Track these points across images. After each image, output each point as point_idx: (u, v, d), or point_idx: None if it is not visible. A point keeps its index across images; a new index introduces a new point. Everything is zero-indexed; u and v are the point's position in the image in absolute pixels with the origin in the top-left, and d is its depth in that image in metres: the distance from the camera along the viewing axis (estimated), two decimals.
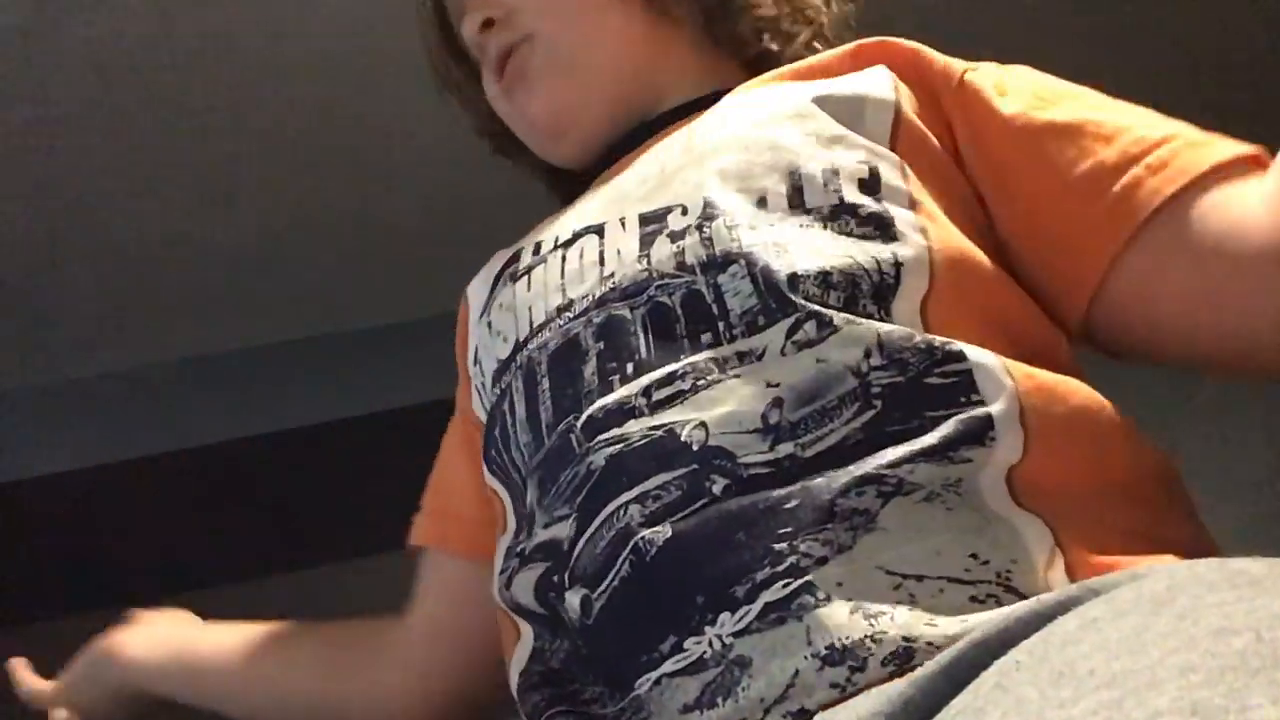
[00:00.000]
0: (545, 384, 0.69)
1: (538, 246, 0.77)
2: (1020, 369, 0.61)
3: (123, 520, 2.05)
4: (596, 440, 0.63)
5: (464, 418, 0.84)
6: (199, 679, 0.95)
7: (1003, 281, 0.68)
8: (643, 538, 0.59)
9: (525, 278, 0.75)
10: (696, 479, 0.59)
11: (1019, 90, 0.72)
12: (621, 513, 0.60)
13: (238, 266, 1.98)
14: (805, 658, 0.53)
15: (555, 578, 0.64)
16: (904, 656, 0.52)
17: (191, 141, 1.73)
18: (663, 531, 0.58)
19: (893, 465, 0.57)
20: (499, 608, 0.71)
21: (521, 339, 0.72)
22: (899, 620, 0.53)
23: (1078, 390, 0.62)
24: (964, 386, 0.60)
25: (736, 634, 0.55)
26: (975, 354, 0.61)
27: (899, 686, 0.49)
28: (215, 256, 1.95)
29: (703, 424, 0.60)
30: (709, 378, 0.62)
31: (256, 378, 2.12)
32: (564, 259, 0.73)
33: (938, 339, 0.61)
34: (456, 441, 0.87)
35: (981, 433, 0.58)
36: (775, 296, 0.63)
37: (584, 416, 0.64)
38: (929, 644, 0.52)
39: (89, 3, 1.51)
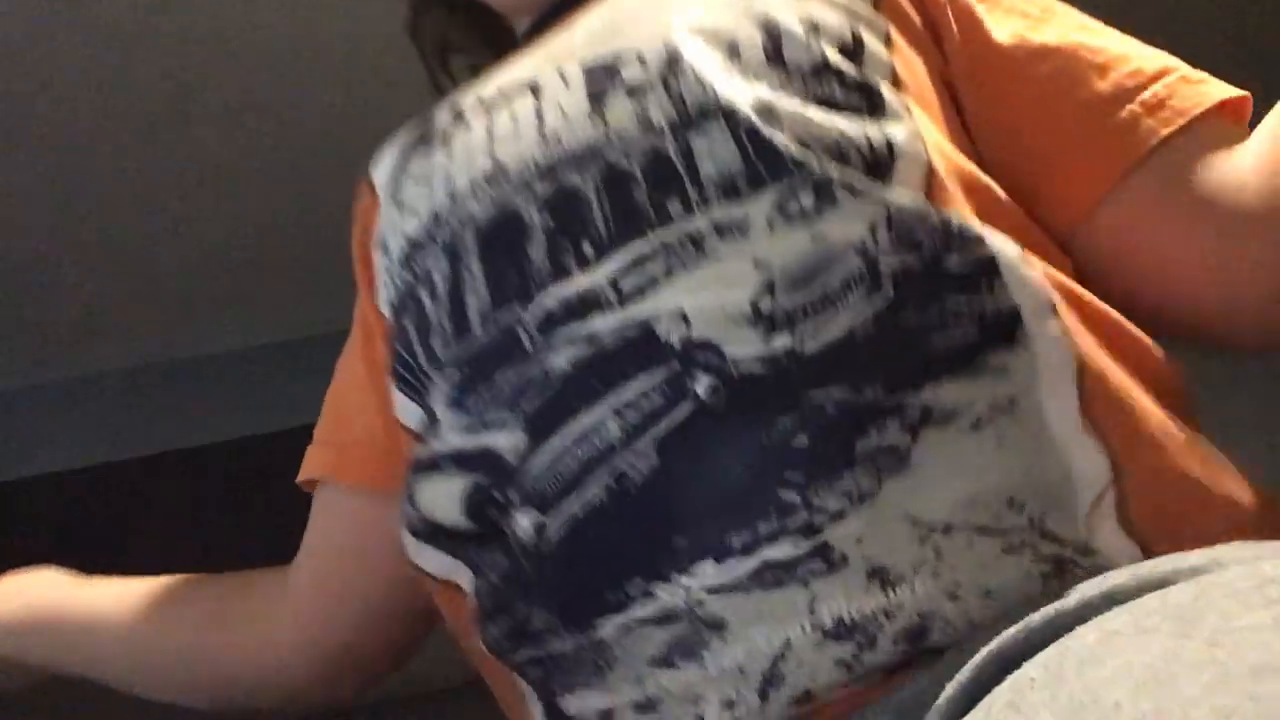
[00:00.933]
0: (474, 264, 0.58)
1: (457, 109, 0.65)
2: (1043, 263, 0.54)
3: (123, 519, 2.04)
4: (556, 338, 0.54)
5: (363, 328, 0.72)
6: (69, 643, 0.81)
7: (993, 186, 0.60)
8: (628, 463, 0.51)
9: (442, 144, 0.64)
10: (678, 380, 0.51)
11: (1009, 6, 0.65)
12: (601, 430, 0.52)
13: (237, 266, 1.97)
14: (803, 629, 0.47)
15: (495, 493, 0.55)
16: (917, 634, 0.47)
17: (192, 141, 1.73)
18: (648, 458, 0.51)
19: (913, 384, 0.50)
20: (412, 544, 0.61)
21: (438, 211, 0.61)
22: (919, 591, 0.47)
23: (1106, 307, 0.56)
24: (988, 271, 0.52)
25: (714, 589, 0.48)
26: (992, 234, 0.53)
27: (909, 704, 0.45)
28: (214, 255, 1.94)
29: (683, 315, 0.52)
30: (685, 259, 0.53)
31: (256, 377, 2.12)
32: (491, 120, 0.62)
33: (953, 216, 0.53)
34: (354, 359, 0.74)
35: (1009, 332, 0.51)
36: (765, 158, 0.54)
37: (535, 308, 0.55)
38: (945, 620, 0.47)
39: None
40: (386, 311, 0.66)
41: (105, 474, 2.05)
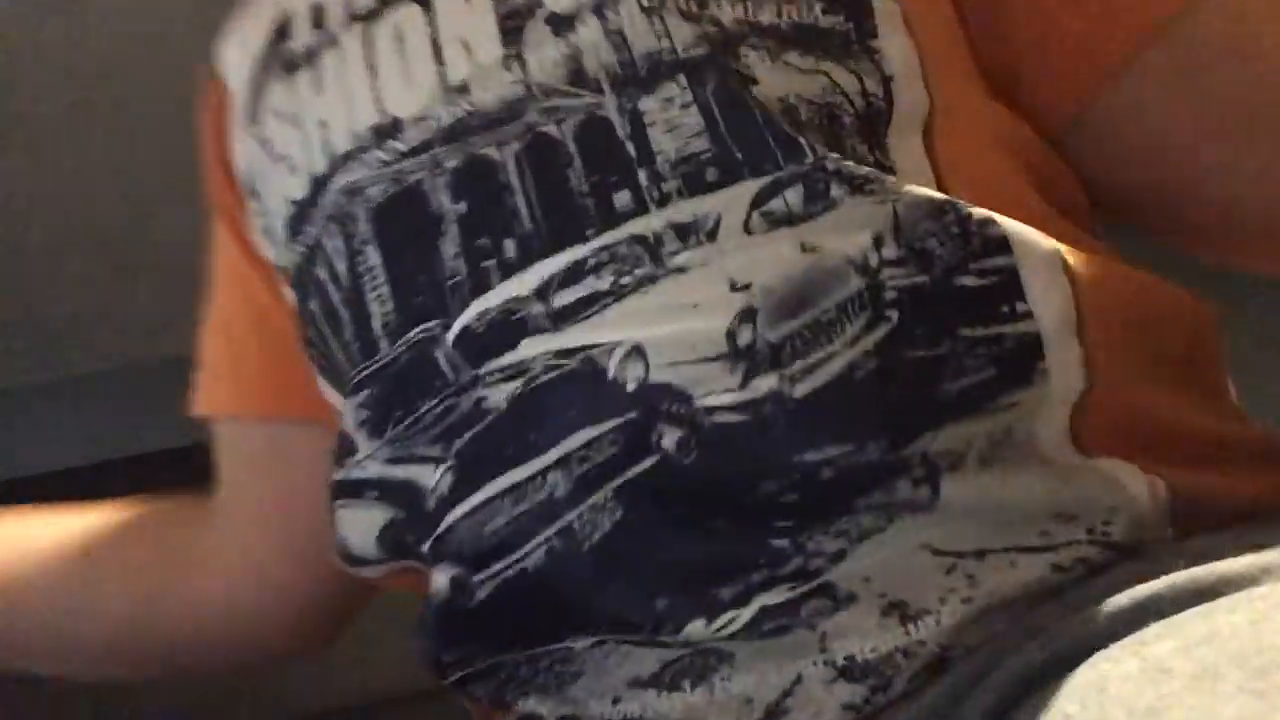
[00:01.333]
0: (374, 257, 0.48)
1: (318, 12, 0.53)
2: (1073, 253, 0.45)
3: None
4: (486, 370, 0.45)
5: (232, 268, 0.62)
6: None
7: (994, 97, 0.51)
8: (579, 519, 0.43)
9: (308, 69, 0.52)
10: (639, 432, 0.42)
11: None
12: (538, 483, 0.43)
13: None
14: (815, 664, 0.42)
15: (410, 537, 0.48)
16: (935, 669, 0.42)
17: (190, 141, 1.73)
18: (608, 510, 0.43)
19: (917, 432, 0.42)
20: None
21: (320, 173, 0.50)
22: (945, 624, 0.41)
23: (1129, 270, 0.48)
24: (1008, 290, 0.43)
25: (713, 639, 0.43)
26: (1019, 235, 0.44)
27: None
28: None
29: (638, 349, 0.42)
30: (638, 272, 0.43)
31: None
32: (368, 44, 0.50)
33: (974, 213, 0.44)
34: (231, 295, 0.63)
35: (1029, 366, 0.43)
36: (741, 135, 0.44)
37: (456, 327, 0.45)
38: (966, 647, 0.41)
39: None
40: (277, 267, 0.56)
41: (106, 470, 2.04)
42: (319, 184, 0.50)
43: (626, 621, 0.44)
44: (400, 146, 0.47)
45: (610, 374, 0.43)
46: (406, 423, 0.47)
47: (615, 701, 0.44)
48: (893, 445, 0.42)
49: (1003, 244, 0.43)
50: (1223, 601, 0.36)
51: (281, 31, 0.54)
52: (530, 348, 0.44)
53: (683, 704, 0.43)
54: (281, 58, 0.53)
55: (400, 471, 0.47)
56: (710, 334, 0.42)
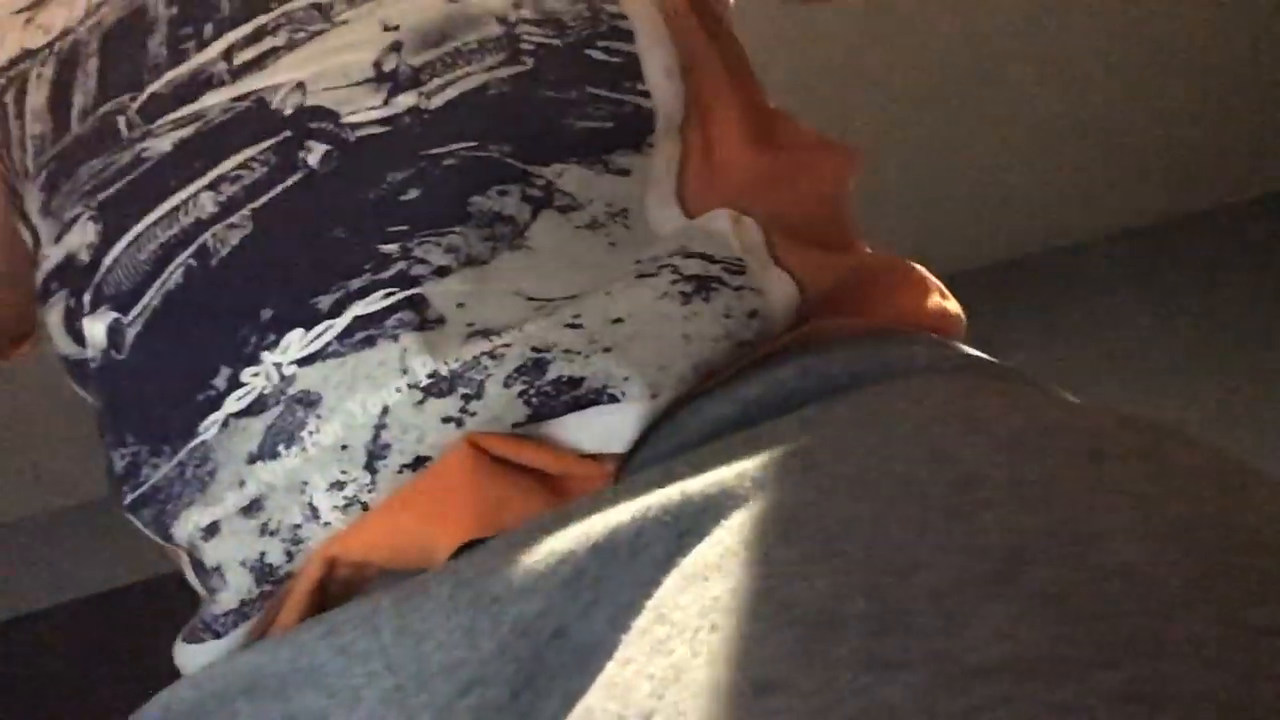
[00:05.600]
0: (91, 65, 0.52)
1: None
2: (697, 68, 0.50)
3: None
4: (159, 124, 0.48)
5: None
6: None
7: None
8: (215, 237, 0.45)
9: None
10: (287, 148, 0.46)
11: None
12: (191, 206, 0.46)
13: None
14: (398, 390, 0.42)
15: (73, 302, 0.49)
16: (535, 370, 0.42)
17: None
18: (240, 227, 0.45)
19: (540, 157, 0.45)
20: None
21: (69, 25, 0.55)
22: (529, 329, 0.42)
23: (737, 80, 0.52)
24: (630, 70, 0.48)
25: (303, 360, 0.43)
26: (645, 29, 0.49)
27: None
28: None
29: (300, 84, 0.47)
30: (310, 28, 0.48)
31: None
32: None
33: (607, 6, 0.49)
34: None
35: (640, 134, 0.47)
36: None
37: (144, 94, 0.49)
38: (569, 351, 0.42)
39: None
40: None
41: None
42: (66, 32, 0.54)
43: (236, 341, 0.44)
44: None
45: (273, 105, 0.47)
46: (66, 190, 0.50)
47: (241, 485, 0.45)
48: (516, 154, 0.45)
49: (628, 35, 0.49)
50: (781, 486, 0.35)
51: None
52: (209, 99, 0.48)
53: (283, 470, 0.44)
54: None
55: (64, 247, 0.49)
56: (360, 64, 0.47)
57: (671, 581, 0.34)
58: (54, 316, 0.51)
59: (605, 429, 0.42)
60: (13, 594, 2.04)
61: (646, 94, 0.48)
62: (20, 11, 0.59)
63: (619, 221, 0.46)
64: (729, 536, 0.34)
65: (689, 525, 0.35)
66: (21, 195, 0.54)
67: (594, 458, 0.43)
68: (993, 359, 0.47)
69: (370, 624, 0.39)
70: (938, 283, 0.54)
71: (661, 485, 0.38)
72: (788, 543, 0.32)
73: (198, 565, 0.47)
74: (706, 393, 0.44)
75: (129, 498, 0.48)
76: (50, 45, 0.55)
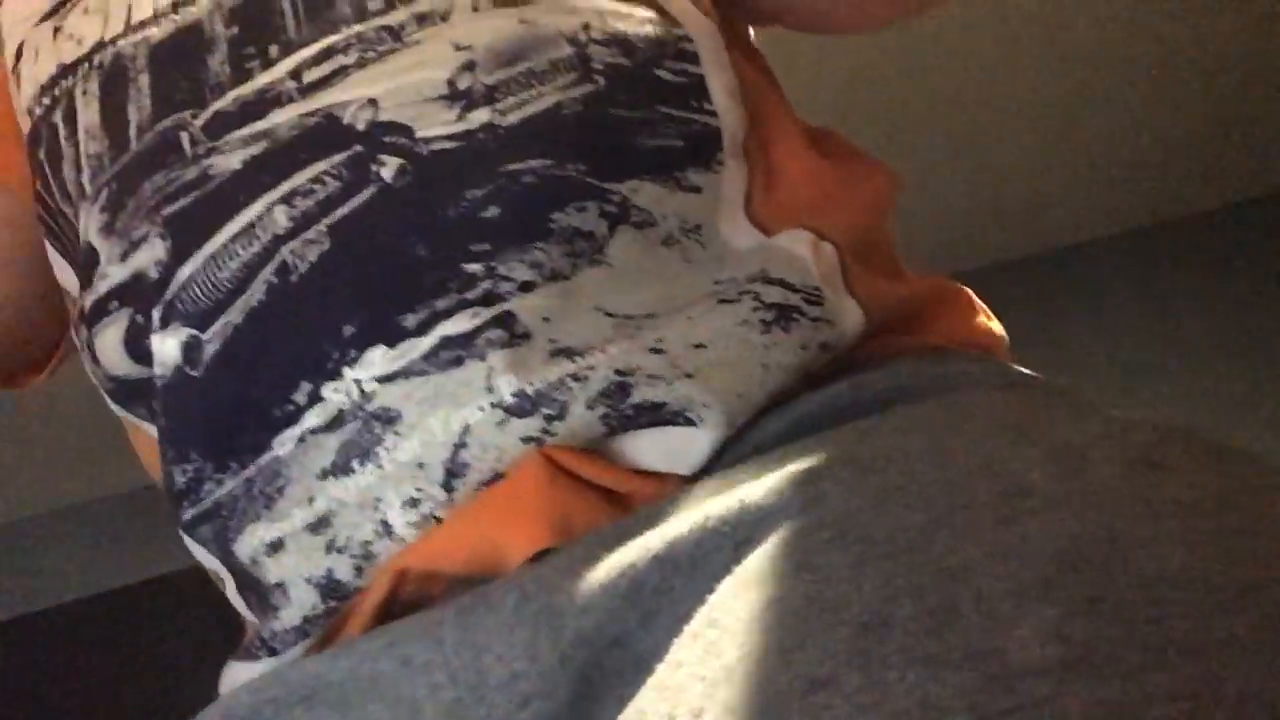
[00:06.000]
0: (143, 80, 0.51)
1: None
2: (744, 82, 0.51)
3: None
4: (226, 140, 0.48)
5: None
6: None
7: None
8: (294, 253, 0.45)
9: None
10: (360, 163, 0.46)
11: None
12: (265, 221, 0.46)
13: None
14: (482, 409, 0.42)
15: (141, 319, 0.48)
16: (618, 393, 0.42)
17: None
18: (318, 243, 0.45)
19: (615, 174, 0.46)
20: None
21: (108, 38, 0.54)
22: (612, 351, 0.43)
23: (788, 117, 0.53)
24: (697, 90, 0.49)
25: (385, 377, 0.43)
26: (708, 53, 0.50)
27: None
28: None
29: (371, 101, 0.47)
30: (380, 48, 0.48)
31: None
32: None
33: (671, 29, 0.50)
34: None
35: (710, 152, 0.48)
36: None
37: (208, 112, 0.49)
38: (652, 376, 0.43)
39: None
40: (23, 121, 0.58)
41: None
42: (101, 45, 0.54)
43: (318, 357, 0.44)
44: (192, 8, 0.52)
45: (344, 121, 0.47)
46: (131, 208, 0.49)
47: (310, 501, 0.45)
48: (591, 172, 0.46)
49: (694, 57, 0.50)
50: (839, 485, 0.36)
51: None
52: (278, 116, 0.48)
53: (356, 487, 0.44)
54: None
55: (128, 266, 0.49)
56: (434, 81, 0.47)
57: (724, 587, 0.35)
58: (110, 335, 0.50)
59: (676, 450, 0.43)
60: (13, 593, 2.04)
61: (713, 113, 0.49)
62: (44, 21, 0.58)
63: (693, 238, 0.47)
64: (782, 543, 0.35)
65: (746, 535, 0.36)
66: (71, 217, 0.53)
67: (659, 476, 0.43)
68: (1040, 377, 0.48)
69: (433, 635, 0.39)
70: (981, 304, 0.55)
71: (719, 495, 0.38)
72: (837, 548, 0.33)
73: (251, 583, 0.47)
74: (764, 409, 0.44)
75: (188, 514, 0.48)
76: (87, 58, 0.54)
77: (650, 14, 0.50)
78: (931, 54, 2.00)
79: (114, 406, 0.53)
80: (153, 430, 0.51)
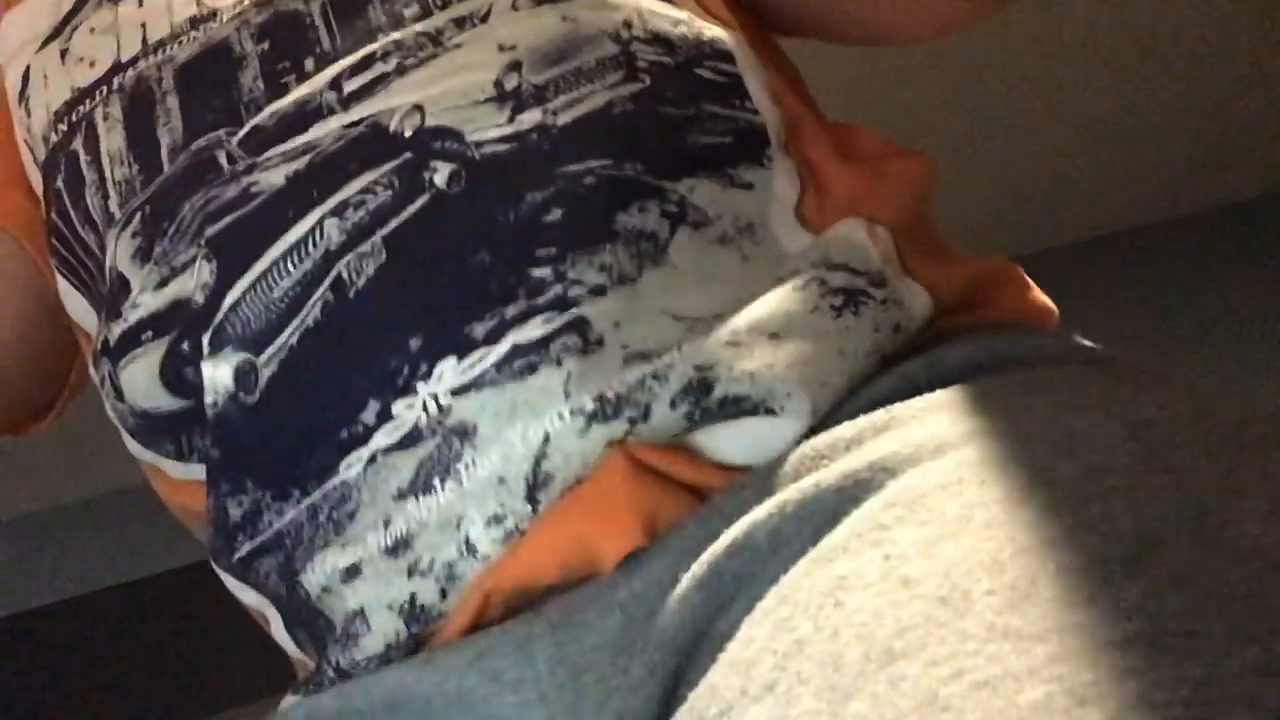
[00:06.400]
0: (171, 101, 0.50)
1: None
2: (778, 81, 0.51)
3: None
4: (267, 156, 0.46)
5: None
6: None
7: None
8: (346, 264, 0.43)
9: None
10: (410, 170, 0.44)
11: None
12: (316, 237, 0.44)
13: None
14: (561, 416, 0.41)
15: (187, 346, 0.46)
16: (700, 389, 0.41)
17: None
18: (374, 255, 0.43)
19: (672, 173, 0.45)
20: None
21: (125, 59, 0.52)
22: (688, 349, 0.42)
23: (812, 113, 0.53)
24: (738, 89, 0.48)
25: (459, 390, 0.41)
26: (741, 51, 0.50)
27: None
28: None
29: (417, 107, 0.45)
30: (420, 54, 0.47)
31: None
32: None
33: (705, 30, 0.49)
34: None
35: (758, 149, 0.47)
36: None
37: (245, 129, 0.47)
38: (732, 369, 0.41)
39: None
40: (34, 175, 0.56)
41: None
42: (119, 67, 0.52)
43: (386, 373, 0.43)
44: (214, 23, 0.51)
45: (391, 129, 0.45)
46: (171, 233, 0.47)
47: (387, 524, 0.43)
48: (649, 171, 0.45)
49: (729, 56, 0.49)
50: (945, 458, 0.35)
51: None
52: (319, 129, 0.46)
53: (436, 506, 0.42)
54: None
55: (167, 294, 0.47)
56: (481, 83, 0.46)
57: (797, 567, 0.35)
58: (140, 367, 0.48)
59: (758, 441, 0.42)
60: (13, 592, 2.03)
61: (755, 111, 0.48)
62: (47, 44, 0.56)
63: (747, 236, 0.46)
64: (856, 522, 0.34)
65: (824, 520, 0.36)
66: (94, 246, 0.51)
67: (740, 469, 0.42)
68: (1115, 354, 0.48)
69: (524, 651, 0.38)
70: (1031, 281, 0.54)
71: (796, 478, 0.38)
72: (911, 525, 0.33)
73: (311, 616, 0.45)
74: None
75: (245, 549, 0.46)
76: (105, 81, 0.52)
77: (682, 14, 0.50)
78: (928, 54, 1.99)
79: (134, 447, 0.51)
80: (175, 470, 0.50)
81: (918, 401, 0.40)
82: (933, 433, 0.37)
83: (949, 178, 2.22)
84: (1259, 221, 2.40)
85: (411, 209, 0.43)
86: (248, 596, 0.49)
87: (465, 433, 0.41)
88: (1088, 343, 0.48)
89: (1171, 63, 2.10)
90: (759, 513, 0.37)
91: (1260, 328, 2.19)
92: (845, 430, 0.39)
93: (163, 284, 0.47)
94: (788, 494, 0.37)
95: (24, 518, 2.14)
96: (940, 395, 0.40)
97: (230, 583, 0.49)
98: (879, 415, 0.39)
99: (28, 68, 0.57)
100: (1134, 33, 2.03)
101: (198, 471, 0.49)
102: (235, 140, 0.47)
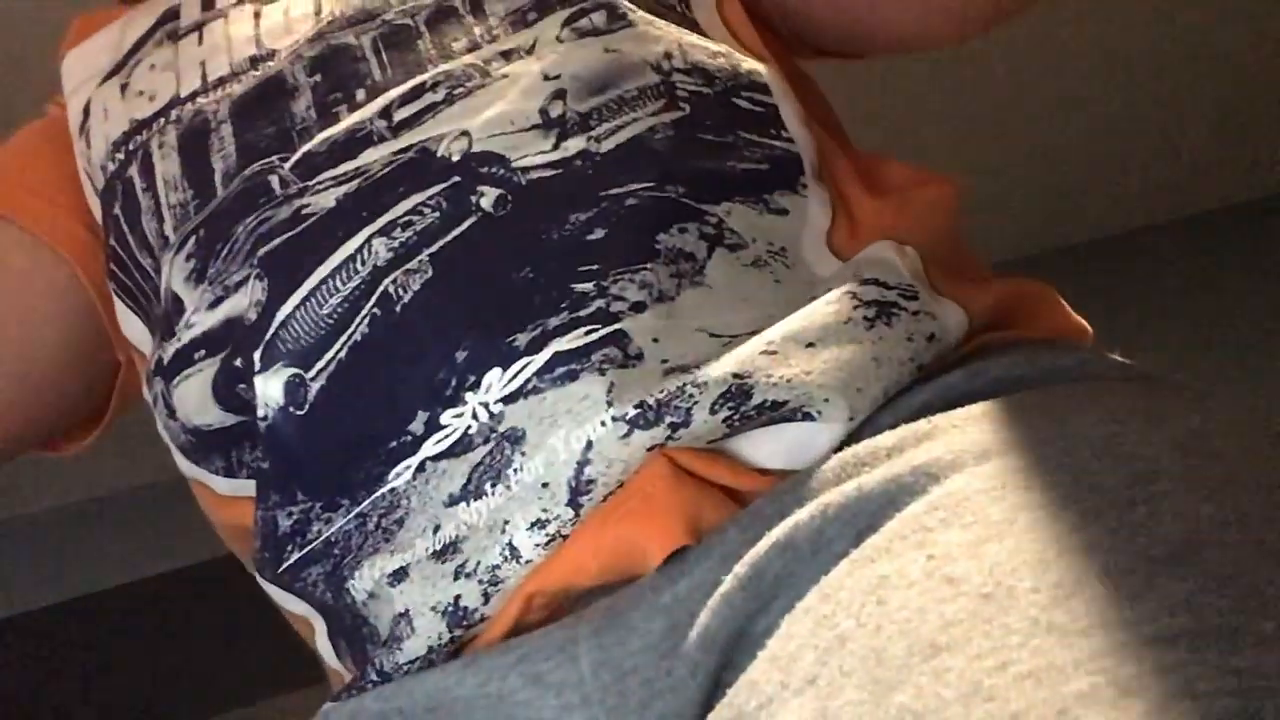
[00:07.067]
0: (225, 130, 0.52)
1: (205, 2, 0.59)
2: (810, 112, 0.52)
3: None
4: (318, 180, 0.48)
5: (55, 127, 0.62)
6: None
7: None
8: (393, 280, 0.45)
9: (194, 34, 0.58)
10: (458, 193, 0.46)
11: None
12: (364, 255, 0.45)
13: None
14: (603, 423, 0.42)
15: (239, 363, 0.48)
16: (739, 395, 0.42)
17: None
18: (420, 272, 0.45)
19: (710, 197, 0.46)
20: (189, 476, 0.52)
21: (184, 95, 0.55)
22: (726, 359, 0.42)
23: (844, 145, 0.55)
24: (774, 118, 0.50)
25: (507, 398, 0.43)
26: (777, 84, 0.51)
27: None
28: None
29: (465, 133, 0.47)
30: (469, 84, 0.49)
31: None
32: (258, 15, 0.56)
33: (743, 62, 0.51)
34: (36, 136, 0.63)
35: (793, 176, 0.49)
36: None
37: (298, 154, 0.49)
38: (770, 375, 0.42)
39: None
40: (93, 202, 0.57)
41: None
42: (176, 102, 0.55)
43: (433, 385, 0.44)
44: (271, 64, 0.54)
45: (439, 154, 0.47)
46: (224, 254, 0.49)
47: (436, 530, 0.44)
48: (689, 194, 0.46)
49: (765, 87, 0.51)
50: (988, 463, 0.36)
51: (166, 18, 0.60)
52: (369, 155, 0.48)
53: (486, 510, 0.43)
54: (169, 32, 0.59)
55: (220, 313, 0.48)
56: (526, 111, 0.47)
57: (840, 567, 0.35)
58: (193, 385, 0.49)
59: (797, 445, 0.42)
60: (13, 592, 2.03)
61: (791, 140, 0.50)
62: (108, 79, 0.58)
63: (779, 260, 0.47)
64: (899, 524, 0.35)
65: (867, 522, 0.36)
66: (150, 270, 0.53)
67: (778, 473, 0.42)
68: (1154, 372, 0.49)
69: (567, 654, 0.39)
70: (1062, 300, 0.56)
71: (837, 482, 0.38)
72: (955, 527, 0.33)
73: (355, 625, 0.46)
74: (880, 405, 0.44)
75: (293, 558, 0.47)
76: (163, 113, 0.54)
77: (721, 47, 0.52)
78: (926, 55, 1.99)
79: (184, 464, 0.52)
80: (223, 485, 0.51)
81: (960, 411, 0.40)
82: (976, 440, 0.37)
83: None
84: (1261, 224, 2.40)
85: (458, 230, 0.45)
86: (294, 606, 0.49)
87: (515, 438, 0.42)
88: (1126, 360, 0.49)
89: (1174, 65, 2.10)
90: (801, 515, 0.37)
91: (1262, 330, 2.19)
92: (886, 439, 0.40)
93: (216, 303, 0.48)
94: (829, 496, 0.37)
95: (24, 518, 2.13)
96: (983, 405, 0.40)
97: (276, 594, 0.49)
98: (921, 424, 0.40)
99: (88, 101, 0.58)
100: (1135, 35, 2.03)
101: (245, 487, 0.50)
102: (288, 165, 0.49)
